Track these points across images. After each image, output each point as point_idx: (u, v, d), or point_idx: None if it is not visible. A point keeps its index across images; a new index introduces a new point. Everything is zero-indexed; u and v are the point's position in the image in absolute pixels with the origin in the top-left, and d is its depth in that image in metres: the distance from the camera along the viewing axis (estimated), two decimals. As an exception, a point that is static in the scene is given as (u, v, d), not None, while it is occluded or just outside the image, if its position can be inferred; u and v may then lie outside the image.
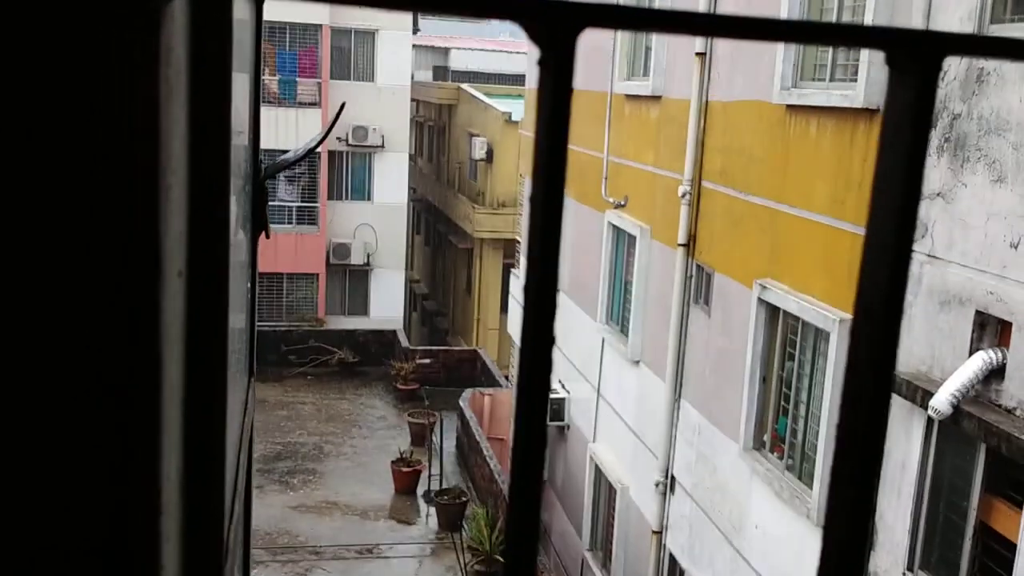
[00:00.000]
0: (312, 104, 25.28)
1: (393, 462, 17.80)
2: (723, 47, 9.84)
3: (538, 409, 0.46)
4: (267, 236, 2.02)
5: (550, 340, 0.45)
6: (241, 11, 1.54)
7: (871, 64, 7.17)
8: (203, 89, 0.83)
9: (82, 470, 0.59)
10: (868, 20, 7.25)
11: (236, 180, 1.60)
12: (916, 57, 0.48)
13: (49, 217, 0.53)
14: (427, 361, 22.88)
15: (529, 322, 0.44)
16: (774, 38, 0.49)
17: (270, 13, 25.31)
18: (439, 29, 43.37)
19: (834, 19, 8.00)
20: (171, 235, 0.67)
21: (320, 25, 25.21)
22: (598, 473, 13.21)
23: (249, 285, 1.96)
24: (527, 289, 0.44)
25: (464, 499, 16.65)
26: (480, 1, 0.43)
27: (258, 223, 1.95)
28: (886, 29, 0.49)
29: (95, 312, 0.55)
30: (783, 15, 8.41)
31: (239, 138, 1.71)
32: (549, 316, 0.45)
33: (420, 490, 17.60)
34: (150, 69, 0.52)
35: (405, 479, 17.57)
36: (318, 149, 24.98)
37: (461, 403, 19.16)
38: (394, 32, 26.14)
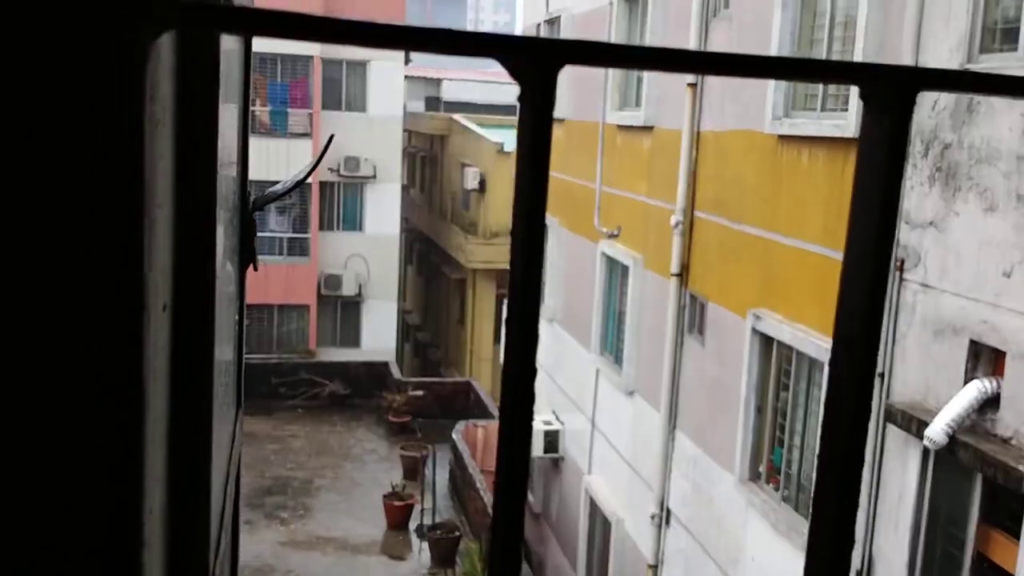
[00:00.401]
0: (303, 135, 25.35)
1: (385, 496, 17.64)
2: (714, 78, 9.91)
3: (521, 438, 0.45)
4: (255, 268, 2.00)
5: (532, 371, 0.44)
6: (229, 42, 1.53)
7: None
8: (190, 123, 0.84)
9: (63, 503, 0.59)
10: (858, 49, 7.31)
11: (224, 212, 1.58)
12: (890, 92, 0.48)
13: (32, 250, 0.54)
14: (419, 393, 22.76)
15: (511, 353, 0.43)
16: (752, 74, 0.50)
17: (261, 45, 25.51)
18: (431, 60, 43.70)
19: (824, 49, 8.06)
20: (156, 268, 0.67)
21: (311, 56, 25.34)
22: (593, 506, 13.10)
23: (237, 317, 1.93)
24: (508, 323, 0.43)
25: (457, 534, 16.48)
26: (461, 40, 0.43)
27: (246, 255, 1.93)
28: (861, 65, 0.50)
29: (77, 345, 0.56)
30: (773, 45, 8.47)
31: (228, 169, 1.69)
32: (531, 347, 0.43)
33: (413, 525, 17.43)
34: (135, 105, 0.52)
35: (397, 513, 17.40)
36: (308, 180, 25.02)
37: (454, 435, 19.04)
38: (386, 63, 26.29)
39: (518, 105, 0.44)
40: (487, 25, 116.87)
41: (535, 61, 0.42)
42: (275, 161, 24.57)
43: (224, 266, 1.61)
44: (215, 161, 0.93)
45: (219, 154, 1.20)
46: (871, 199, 0.49)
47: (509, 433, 0.44)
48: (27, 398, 0.56)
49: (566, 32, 14.42)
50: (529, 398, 0.46)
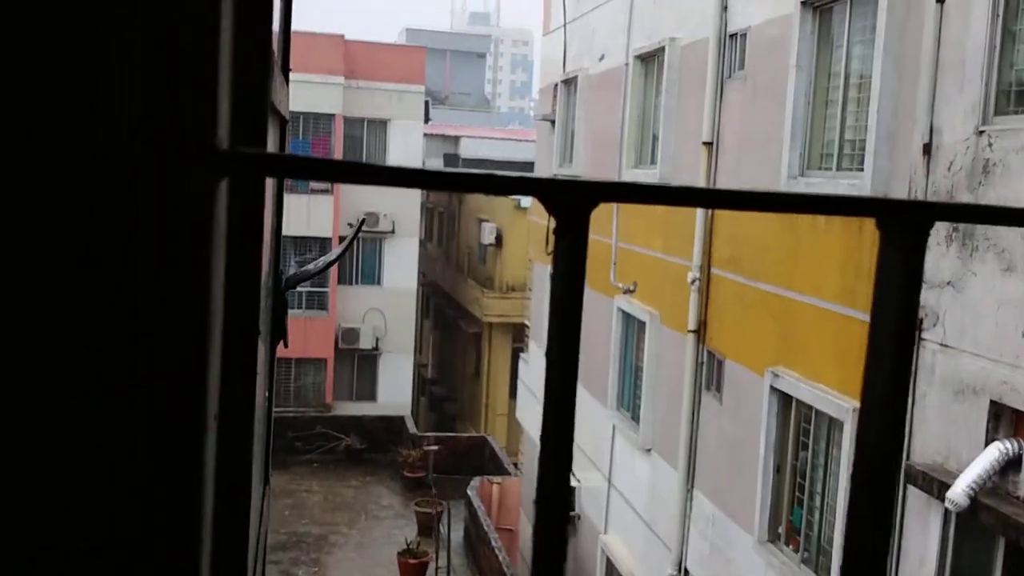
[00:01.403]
0: (324, 192, 25.65)
1: (399, 553, 17.47)
2: (729, 136, 9.99)
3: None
4: (286, 345, 2.04)
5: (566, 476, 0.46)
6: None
7: (877, 154, 7.26)
8: (237, 247, 0.90)
9: None
10: (872, 111, 7.36)
11: (260, 295, 1.62)
12: (905, 224, 0.51)
13: (113, 371, 0.58)
14: (435, 448, 22.65)
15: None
16: (773, 209, 0.53)
17: (285, 103, 25.82)
18: (450, 118, 44.27)
19: (839, 110, 8.13)
20: (211, 378, 0.72)
21: (333, 115, 25.74)
22: (610, 565, 12.93)
23: (267, 394, 1.96)
24: (543, 452, 0.46)
25: (472, 591, 16.27)
26: (503, 182, 0.48)
27: (278, 333, 1.97)
28: (877, 200, 0.53)
29: (143, 462, 0.59)
30: (788, 106, 8.56)
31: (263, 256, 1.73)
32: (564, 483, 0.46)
33: (427, 581, 17.22)
34: (206, 238, 0.58)
35: (412, 571, 17.21)
36: (329, 236, 25.26)
37: (469, 492, 18.89)
38: (406, 121, 26.67)
39: (554, 237, 0.49)
40: (505, 84, 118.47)
41: (570, 201, 0.47)
42: (296, 217, 24.83)
43: (259, 350, 1.65)
44: (259, 282, 1.00)
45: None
46: (887, 325, 0.51)
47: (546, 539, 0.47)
48: (107, 526, 0.59)
49: (583, 90, 14.61)
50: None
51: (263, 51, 0.98)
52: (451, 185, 0.47)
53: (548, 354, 0.46)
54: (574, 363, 0.45)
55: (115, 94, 0.54)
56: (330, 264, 2.90)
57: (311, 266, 2.79)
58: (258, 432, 1.84)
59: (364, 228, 26.33)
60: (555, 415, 0.45)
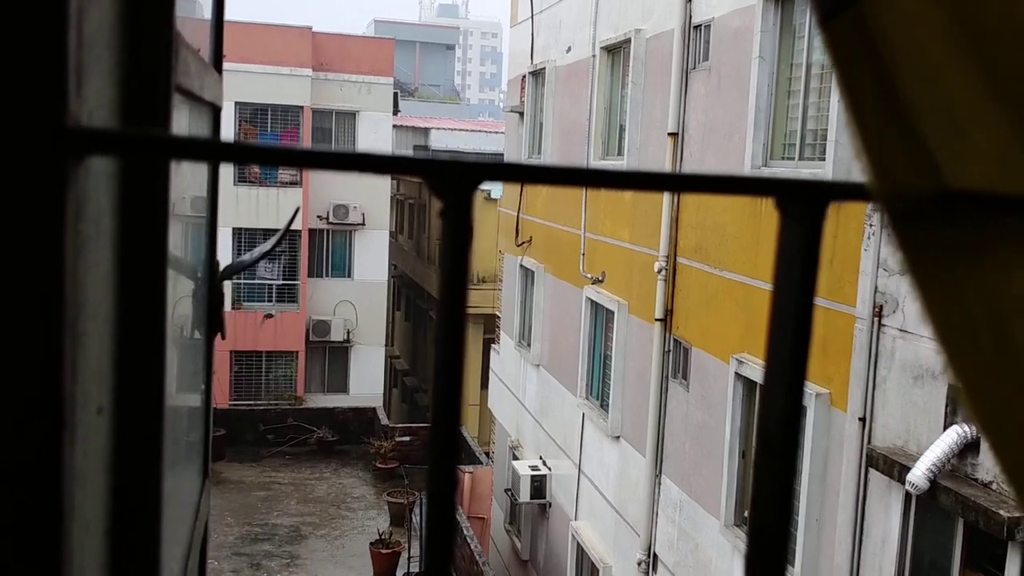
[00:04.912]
0: (292, 184, 25.50)
1: (372, 544, 17.49)
2: (695, 126, 10.08)
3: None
4: (223, 337, 2.05)
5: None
6: (195, 121, 1.58)
7: (838, 143, 7.37)
8: (135, 230, 0.86)
9: None
10: (833, 104, 7.47)
11: (191, 284, 1.63)
12: (803, 203, 0.53)
13: None
14: (407, 439, 22.67)
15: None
16: (674, 189, 0.56)
17: (252, 95, 25.63)
18: (420, 110, 44.10)
19: (801, 99, 8.23)
20: (86, 377, 0.69)
21: (302, 107, 25.59)
22: (580, 551, 13.04)
23: (204, 387, 1.97)
24: (432, 422, 0.49)
25: (444, 580, 16.31)
26: (390, 161, 0.49)
27: (214, 325, 1.98)
28: (776, 180, 0.54)
29: None
30: (752, 95, 8.65)
31: (197, 234, 1.74)
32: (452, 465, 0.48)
33: (400, 572, 17.26)
34: (55, 225, 0.54)
35: (384, 561, 17.24)
36: (299, 228, 25.13)
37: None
38: (375, 113, 26.56)
39: (439, 219, 0.50)
40: (474, 76, 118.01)
41: (453, 180, 0.48)
42: (265, 209, 24.68)
43: (191, 335, 1.67)
44: (164, 279, 0.96)
45: (178, 227, 1.24)
46: (787, 305, 0.53)
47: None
48: None
49: (550, 82, 14.65)
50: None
51: (160, 31, 0.94)
52: (327, 164, 0.48)
53: (436, 337, 0.49)
54: (461, 340, 0.48)
55: None
56: (265, 254, 2.89)
57: (247, 256, 2.81)
58: (197, 427, 1.85)
59: (334, 220, 26.21)
60: (443, 397, 0.49)
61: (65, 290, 0.55)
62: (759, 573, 0.53)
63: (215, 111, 1.89)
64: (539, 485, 14.33)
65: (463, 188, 0.48)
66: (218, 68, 1.99)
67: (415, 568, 16.98)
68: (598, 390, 12.79)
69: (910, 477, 6.18)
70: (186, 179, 1.45)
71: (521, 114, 16.14)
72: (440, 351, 0.47)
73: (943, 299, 0.49)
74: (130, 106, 0.87)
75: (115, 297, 0.82)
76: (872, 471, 6.88)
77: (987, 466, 5.95)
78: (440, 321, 0.47)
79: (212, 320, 1.93)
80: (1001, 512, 5.63)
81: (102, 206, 0.75)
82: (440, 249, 0.48)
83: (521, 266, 15.95)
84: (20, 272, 0.53)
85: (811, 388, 7.65)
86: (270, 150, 0.49)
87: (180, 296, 1.36)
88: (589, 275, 12.63)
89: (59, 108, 0.54)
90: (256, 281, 25.68)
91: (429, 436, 0.48)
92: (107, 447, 0.83)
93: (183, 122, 1.39)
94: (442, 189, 0.48)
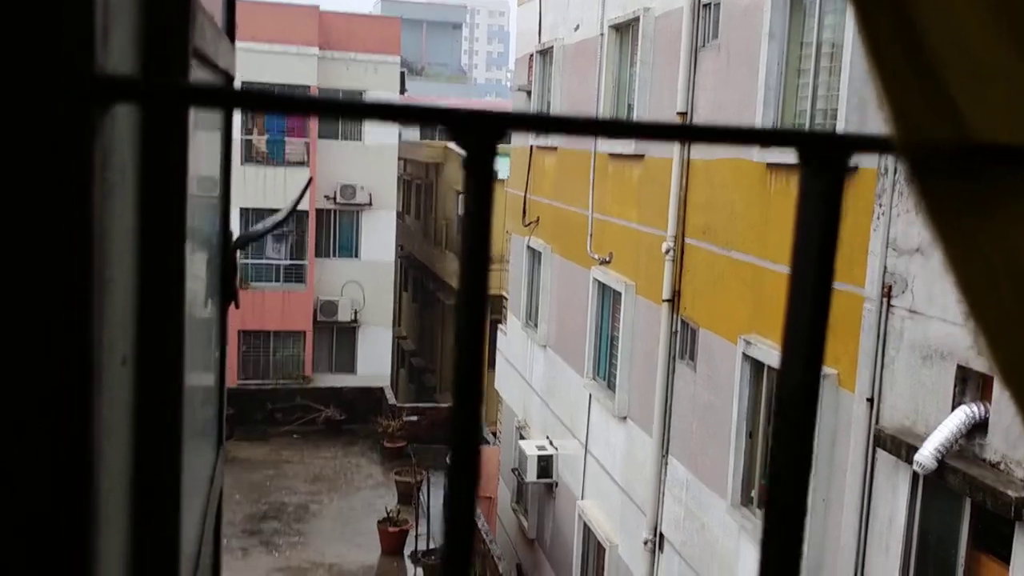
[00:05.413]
0: (300, 163, 25.48)
1: (380, 522, 17.59)
2: (704, 105, 10.02)
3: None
4: (236, 306, 2.05)
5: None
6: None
7: (848, 121, 7.32)
8: (156, 181, 0.87)
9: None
10: (844, 79, 7.41)
11: (205, 253, 1.63)
12: (826, 155, 0.52)
13: None
14: (414, 418, 22.76)
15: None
16: (694, 140, 0.55)
17: (259, 75, 25.59)
18: (427, 89, 43.96)
19: (811, 78, 8.17)
20: (112, 324, 0.69)
21: (308, 86, 25.52)
22: (587, 531, 13.09)
23: (218, 354, 1.97)
24: (455, 380, 0.48)
25: (452, 559, 16.41)
26: (413, 111, 0.48)
27: (227, 293, 1.98)
28: (799, 132, 0.54)
29: (26, 409, 0.55)
30: (761, 73, 8.59)
31: (210, 208, 1.74)
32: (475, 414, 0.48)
33: (407, 550, 17.37)
34: (84, 171, 0.54)
35: (392, 539, 17.35)
36: (306, 208, 25.14)
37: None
38: (381, 92, 26.47)
39: (463, 170, 0.49)
40: (481, 55, 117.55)
41: (477, 130, 0.47)
42: (272, 189, 24.68)
43: (205, 304, 1.66)
44: (183, 222, 0.98)
45: (192, 200, 1.24)
46: (808, 258, 0.52)
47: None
48: None
49: (558, 61, 14.57)
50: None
51: None
52: (347, 113, 0.47)
53: (458, 293, 0.48)
54: (483, 306, 0.48)
55: None
56: (278, 224, 2.91)
57: (260, 226, 2.82)
58: (212, 393, 1.86)
59: (341, 201, 26.20)
60: (466, 357, 0.48)
61: (93, 236, 0.55)
62: (776, 545, 0.52)
63: (228, 80, 1.88)
64: (546, 465, 14.37)
65: (487, 138, 0.47)
66: (231, 38, 1.98)
67: (422, 546, 17.08)
68: (605, 371, 12.80)
69: (918, 457, 6.17)
70: (200, 154, 1.44)
71: (529, 93, 16.06)
72: (460, 316, 0.47)
73: (963, 250, 0.48)
74: (149, 64, 0.88)
75: (137, 247, 0.83)
76: (880, 451, 6.88)
77: (995, 446, 5.94)
78: (463, 278, 0.47)
79: (225, 290, 1.94)
80: (1009, 492, 5.62)
81: (126, 158, 0.76)
82: (464, 201, 0.48)
83: (528, 247, 15.93)
84: (51, 216, 0.54)
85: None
86: (289, 99, 0.49)
87: (195, 266, 1.36)
88: (596, 256, 12.61)
89: (88, 57, 0.55)
90: (264, 261, 25.72)
91: (452, 382, 0.48)
92: (131, 400, 0.84)
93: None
94: (466, 140, 0.47)
